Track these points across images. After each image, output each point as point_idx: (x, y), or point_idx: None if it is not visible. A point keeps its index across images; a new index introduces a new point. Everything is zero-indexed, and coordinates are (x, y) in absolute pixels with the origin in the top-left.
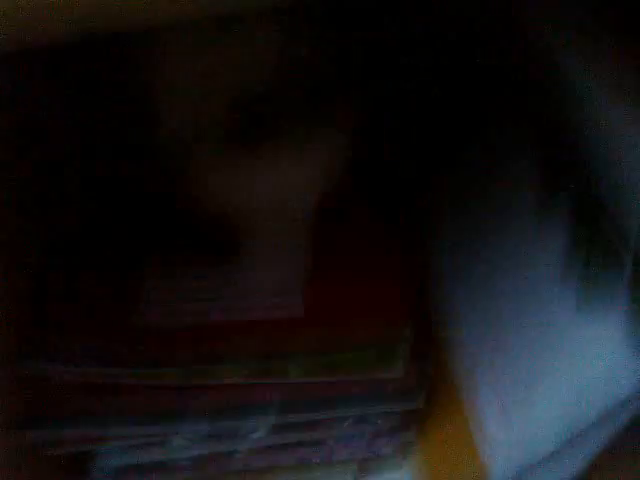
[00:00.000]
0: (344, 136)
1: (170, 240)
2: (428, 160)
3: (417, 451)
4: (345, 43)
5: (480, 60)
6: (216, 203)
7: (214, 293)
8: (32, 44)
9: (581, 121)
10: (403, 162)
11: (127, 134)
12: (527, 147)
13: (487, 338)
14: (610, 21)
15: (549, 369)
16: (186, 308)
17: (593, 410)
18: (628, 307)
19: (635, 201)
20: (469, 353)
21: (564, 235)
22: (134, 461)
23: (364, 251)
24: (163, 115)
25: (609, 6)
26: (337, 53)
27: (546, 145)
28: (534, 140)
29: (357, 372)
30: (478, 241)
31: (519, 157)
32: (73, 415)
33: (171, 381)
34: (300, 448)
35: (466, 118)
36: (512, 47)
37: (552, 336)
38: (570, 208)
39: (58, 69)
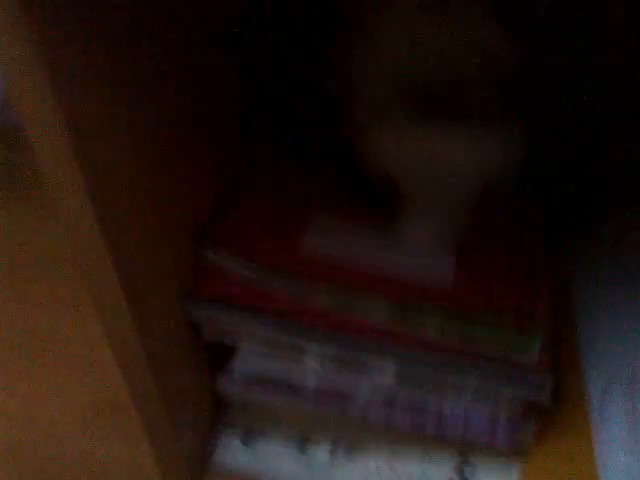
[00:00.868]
0: (515, 136)
1: (346, 190)
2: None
3: (529, 459)
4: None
5: None
6: (391, 167)
7: (374, 242)
8: None
9: None
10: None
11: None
12: None
13: (626, 359)
14: None
15: None
16: (346, 249)
17: None
18: None
19: None
20: (604, 371)
21: None
22: (267, 371)
23: (518, 242)
24: (358, 85)
25: None
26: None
27: None
28: None
29: (492, 347)
30: (627, 257)
31: None
32: (231, 304)
33: (318, 304)
34: (417, 410)
35: None
36: None
37: None
38: None
39: None
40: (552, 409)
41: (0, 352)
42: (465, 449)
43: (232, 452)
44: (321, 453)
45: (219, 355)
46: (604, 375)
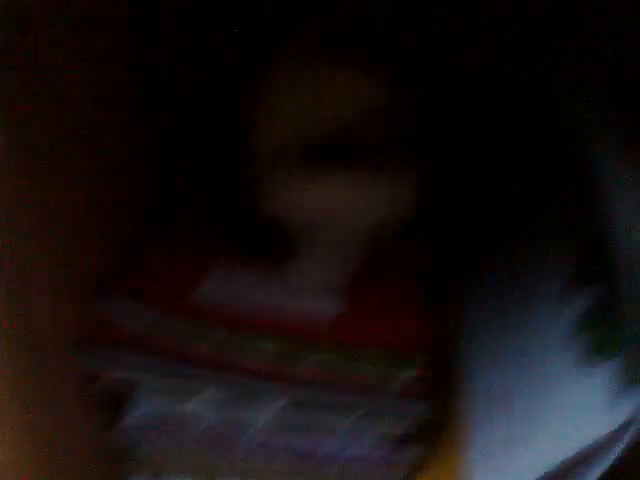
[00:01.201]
0: (410, 182)
1: (239, 237)
2: (474, 227)
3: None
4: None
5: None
6: (286, 213)
7: (266, 288)
8: None
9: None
10: (454, 223)
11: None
12: (564, 237)
13: (493, 386)
14: None
15: (542, 415)
16: (238, 296)
17: (573, 450)
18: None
19: None
20: (474, 399)
21: (578, 309)
22: (160, 412)
23: (399, 283)
24: (259, 138)
25: None
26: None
27: (580, 237)
28: (570, 232)
29: (373, 367)
30: (502, 304)
31: (556, 244)
32: (124, 349)
33: (212, 345)
34: (309, 434)
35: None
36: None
37: (549, 388)
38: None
39: None
40: (438, 427)
41: None
42: (361, 470)
43: None
44: None
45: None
46: (481, 401)
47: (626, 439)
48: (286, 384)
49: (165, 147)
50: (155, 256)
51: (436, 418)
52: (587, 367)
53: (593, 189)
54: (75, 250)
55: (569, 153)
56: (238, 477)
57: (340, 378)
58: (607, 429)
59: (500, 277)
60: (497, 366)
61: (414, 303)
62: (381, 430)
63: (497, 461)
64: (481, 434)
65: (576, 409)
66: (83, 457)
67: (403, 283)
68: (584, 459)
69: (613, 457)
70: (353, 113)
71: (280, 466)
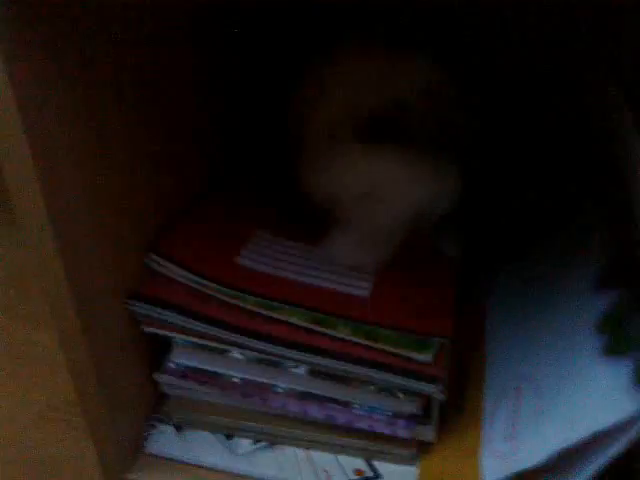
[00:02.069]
0: (453, 175)
1: (286, 214)
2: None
3: (428, 454)
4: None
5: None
6: (334, 187)
7: (302, 260)
8: None
9: None
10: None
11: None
12: (600, 228)
13: (518, 369)
14: None
15: (562, 398)
16: (275, 265)
17: (588, 432)
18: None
19: None
20: (498, 386)
21: (603, 307)
22: (199, 365)
23: (429, 271)
24: (314, 117)
25: None
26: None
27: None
28: (607, 223)
29: (394, 347)
30: (534, 291)
31: (587, 246)
32: (171, 305)
33: (247, 306)
34: (330, 403)
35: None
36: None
37: (573, 375)
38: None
39: None
40: (453, 411)
41: None
42: (373, 440)
43: (165, 440)
44: (245, 443)
45: (157, 352)
46: (497, 390)
47: (637, 429)
48: (306, 354)
49: (226, 124)
50: (201, 224)
51: (450, 402)
52: (607, 360)
53: (625, 197)
54: (132, 212)
55: (602, 159)
56: (252, 437)
57: (358, 353)
58: (621, 416)
59: (531, 273)
60: (520, 350)
61: (441, 292)
62: (393, 407)
63: (506, 445)
64: (494, 419)
65: (595, 396)
66: (121, 393)
67: (433, 272)
68: (597, 442)
69: (624, 444)
70: (413, 97)
71: (295, 431)
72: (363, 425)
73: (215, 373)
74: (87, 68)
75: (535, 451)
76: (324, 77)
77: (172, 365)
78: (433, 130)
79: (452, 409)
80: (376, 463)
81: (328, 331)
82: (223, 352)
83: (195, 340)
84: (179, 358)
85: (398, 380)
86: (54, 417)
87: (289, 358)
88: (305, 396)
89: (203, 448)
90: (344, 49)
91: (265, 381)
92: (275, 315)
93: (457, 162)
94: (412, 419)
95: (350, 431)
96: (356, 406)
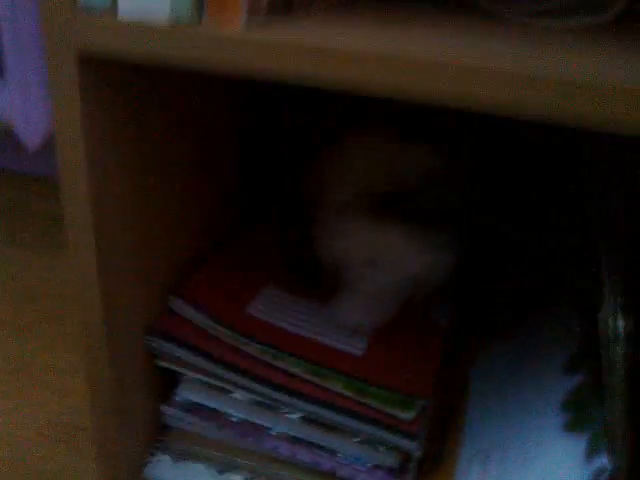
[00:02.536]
0: (452, 249)
1: (296, 272)
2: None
3: None
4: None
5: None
6: (342, 254)
7: (307, 315)
8: None
9: None
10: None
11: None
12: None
13: (490, 436)
14: None
15: (525, 466)
16: (282, 317)
17: None
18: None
19: None
20: (471, 447)
21: (569, 387)
22: (202, 401)
23: (420, 337)
24: (328, 190)
25: None
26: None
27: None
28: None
29: (380, 404)
30: (509, 367)
31: (563, 328)
32: (186, 344)
33: (252, 352)
34: (317, 450)
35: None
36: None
37: (538, 443)
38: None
39: None
40: (429, 464)
41: None
42: None
43: (162, 469)
44: (236, 478)
45: (164, 387)
46: (471, 453)
47: None
48: (302, 401)
49: (248, 184)
50: (218, 271)
51: (430, 457)
52: (568, 435)
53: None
54: (157, 252)
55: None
56: (244, 474)
57: (348, 406)
58: None
59: (511, 349)
60: (495, 417)
61: (428, 357)
62: (376, 458)
63: None
64: (464, 477)
65: (553, 466)
66: (130, 420)
67: (422, 337)
68: None
69: None
70: (417, 179)
71: (284, 473)
72: (345, 473)
73: (216, 410)
74: (140, 123)
75: None
76: (341, 155)
77: (178, 399)
78: (434, 208)
79: (429, 464)
80: None
81: (323, 383)
82: (226, 392)
83: (202, 378)
84: (185, 393)
85: (381, 433)
86: (54, 437)
87: (285, 404)
88: (296, 440)
89: (196, 479)
90: (359, 132)
91: (261, 423)
92: (277, 363)
93: (452, 239)
94: (391, 472)
95: (334, 478)
96: (340, 455)
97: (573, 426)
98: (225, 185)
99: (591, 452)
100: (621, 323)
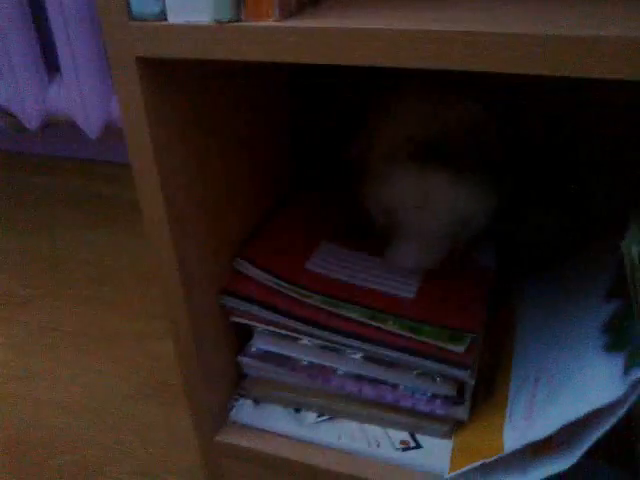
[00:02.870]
0: (490, 188)
1: (350, 226)
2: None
3: (461, 429)
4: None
5: None
6: (393, 201)
7: (361, 266)
8: None
9: None
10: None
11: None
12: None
13: (538, 362)
14: None
15: (570, 384)
16: (339, 269)
17: (585, 411)
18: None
19: None
20: (521, 373)
21: (608, 312)
22: (274, 348)
23: (470, 277)
24: (377, 142)
25: None
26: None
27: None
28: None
29: (432, 339)
30: (556, 297)
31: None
32: (253, 300)
33: (315, 303)
34: (380, 384)
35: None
36: None
37: (582, 363)
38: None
39: None
40: (483, 395)
41: (79, 344)
42: (416, 417)
43: (245, 411)
44: (310, 415)
45: (241, 340)
46: (520, 380)
47: (628, 404)
48: (362, 343)
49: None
50: (278, 233)
51: (482, 387)
52: (608, 355)
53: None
54: (221, 222)
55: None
56: (316, 411)
57: (404, 344)
58: (616, 395)
59: (555, 282)
60: (541, 346)
61: (476, 295)
62: (433, 389)
63: (524, 422)
64: (515, 401)
65: (595, 383)
66: (213, 372)
67: (470, 278)
68: (596, 417)
69: (618, 418)
70: (458, 129)
71: (352, 407)
72: (407, 403)
73: (287, 357)
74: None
75: (545, 426)
76: (389, 109)
77: (253, 349)
78: (475, 157)
79: (483, 393)
80: (418, 436)
81: (380, 325)
82: (294, 340)
83: (272, 329)
84: (259, 344)
85: (436, 366)
86: (147, 393)
87: (348, 346)
88: (360, 378)
89: (276, 419)
90: (406, 88)
91: (328, 365)
92: (337, 311)
93: (493, 183)
94: (448, 400)
95: (397, 409)
96: (402, 387)
97: (613, 347)
98: (278, 158)
99: (628, 368)
100: None
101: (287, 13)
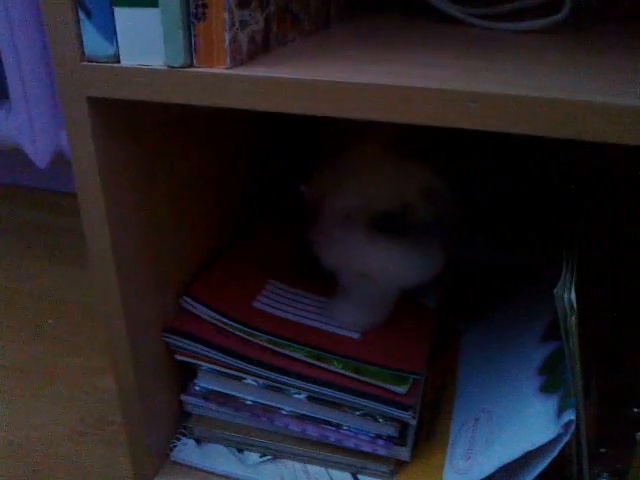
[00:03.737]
0: (439, 257)
1: (298, 271)
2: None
3: (404, 470)
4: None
5: None
6: (339, 261)
7: (308, 308)
8: None
9: None
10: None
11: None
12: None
13: (478, 403)
14: None
15: (508, 425)
16: (287, 306)
17: (522, 452)
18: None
19: None
20: (464, 410)
21: (544, 355)
22: (218, 387)
23: (413, 317)
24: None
25: None
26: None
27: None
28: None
29: (376, 380)
30: (494, 340)
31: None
32: (201, 339)
33: (260, 342)
34: (324, 425)
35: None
36: None
37: (517, 405)
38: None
39: None
40: (426, 433)
41: (17, 379)
42: (358, 458)
43: (187, 451)
44: (253, 456)
45: (185, 378)
46: (461, 420)
47: (562, 444)
48: (307, 383)
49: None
50: (224, 272)
51: (424, 427)
52: (543, 396)
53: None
54: (168, 261)
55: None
56: (259, 451)
57: (348, 384)
58: (550, 436)
59: (494, 325)
60: (482, 387)
61: (419, 337)
62: (376, 429)
63: (464, 463)
64: (456, 442)
65: (530, 424)
66: (155, 410)
67: (413, 319)
68: (533, 457)
69: (551, 458)
70: (412, 197)
71: (295, 448)
72: (350, 444)
73: (231, 396)
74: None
75: (484, 467)
76: (344, 168)
77: (197, 388)
78: (429, 222)
79: (425, 433)
80: (360, 477)
81: (325, 365)
82: (239, 379)
83: (217, 368)
84: (203, 382)
85: (378, 407)
86: (86, 431)
87: (292, 386)
88: (304, 418)
89: (218, 459)
90: (362, 147)
91: (272, 404)
92: (283, 351)
93: (445, 246)
94: (390, 440)
95: (340, 449)
96: (345, 428)
97: (548, 388)
98: (231, 197)
99: (561, 409)
100: (573, 296)
101: (238, 61)
